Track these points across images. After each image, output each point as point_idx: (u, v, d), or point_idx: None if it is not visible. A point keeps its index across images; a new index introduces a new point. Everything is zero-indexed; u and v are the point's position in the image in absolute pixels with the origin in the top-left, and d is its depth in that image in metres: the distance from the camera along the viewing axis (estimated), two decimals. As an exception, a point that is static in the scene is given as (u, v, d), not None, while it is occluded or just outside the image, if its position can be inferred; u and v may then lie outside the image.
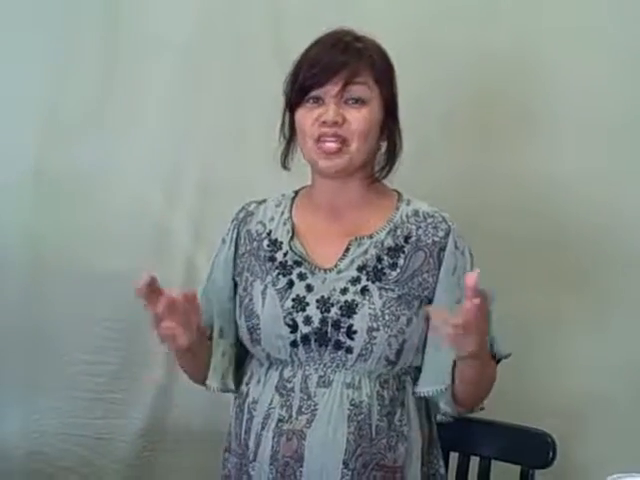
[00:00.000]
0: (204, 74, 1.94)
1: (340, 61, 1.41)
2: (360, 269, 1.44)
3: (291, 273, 1.46)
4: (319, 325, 1.41)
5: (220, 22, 1.91)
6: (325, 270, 1.45)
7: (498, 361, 1.47)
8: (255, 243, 1.53)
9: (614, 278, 1.81)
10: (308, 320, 1.41)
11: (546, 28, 1.78)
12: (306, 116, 1.43)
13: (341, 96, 1.41)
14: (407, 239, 1.46)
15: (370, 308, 1.40)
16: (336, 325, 1.40)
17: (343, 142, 1.41)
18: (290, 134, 1.52)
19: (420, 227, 1.46)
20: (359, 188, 1.48)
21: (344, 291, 1.42)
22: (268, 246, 1.51)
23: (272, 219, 1.54)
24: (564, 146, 1.80)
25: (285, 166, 1.54)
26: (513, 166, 1.82)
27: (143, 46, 1.91)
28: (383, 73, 1.45)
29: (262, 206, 1.57)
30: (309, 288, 1.44)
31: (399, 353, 1.40)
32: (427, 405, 1.49)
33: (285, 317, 1.42)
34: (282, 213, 1.54)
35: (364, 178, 1.48)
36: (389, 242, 1.45)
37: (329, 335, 1.40)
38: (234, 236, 1.55)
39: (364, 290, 1.42)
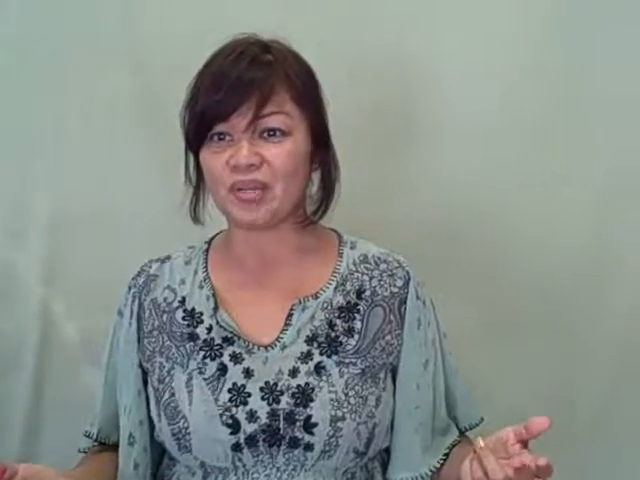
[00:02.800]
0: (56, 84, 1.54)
1: (246, 82, 1.08)
2: (310, 341, 1.15)
3: (221, 355, 1.15)
4: (267, 421, 1.10)
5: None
6: (265, 347, 1.14)
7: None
8: (165, 316, 1.19)
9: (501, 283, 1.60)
10: (252, 416, 1.11)
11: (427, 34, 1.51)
12: (212, 159, 1.11)
13: (253, 129, 1.09)
14: (360, 294, 1.17)
15: (330, 391, 1.12)
16: (289, 418, 1.10)
17: (264, 188, 1.10)
18: (197, 177, 1.18)
19: (373, 277, 1.18)
20: (291, 235, 1.18)
21: (294, 372, 1.13)
22: (184, 319, 1.18)
23: (183, 282, 1.21)
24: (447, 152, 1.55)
25: (197, 219, 1.21)
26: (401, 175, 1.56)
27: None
28: (305, 91, 1.14)
29: (166, 265, 1.23)
30: (248, 373, 1.13)
31: (369, 442, 1.13)
32: None
33: (222, 415, 1.11)
34: (195, 273, 1.21)
35: (296, 222, 1.18)
36: (339, 300, 1.17)
37: (282, 432, 1.10)
38: (134, 308, 1.21)
39: (319, 368, 1.13)
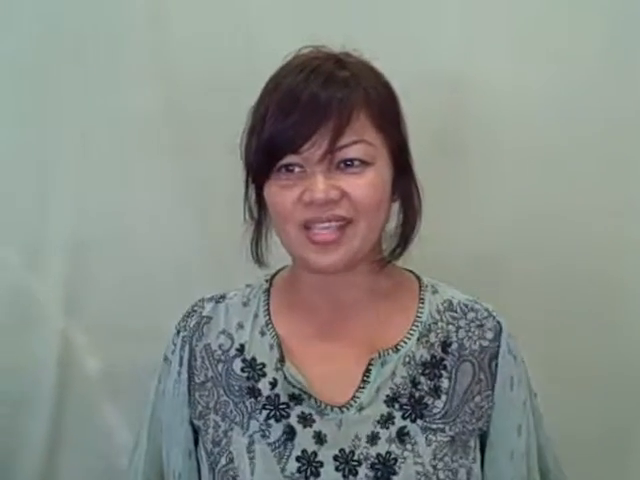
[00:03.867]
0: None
1: (321, 106, 0.93)
2: (391, 401, 0.99)
3: (288, 415, 0.99)
4: None
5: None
6: (339, 408, 0.99)
7: None
8: (221, 366, 1.04)
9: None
10: None
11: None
12: (282, 194, 0.96)
13: (330, 160, 0.94)
14: (446, 347, 1.02)
15: (416, 463, 0.97)
16: None
17: (345, 224, 0.95)
18: (259, 212, 1.03)
19: (460, 327, 1.03)
20: (367, 278, 1.03)
21: (373, 439, 0.97)
22: (243, 370, 1.03)
23: (241, 326, 1.06)
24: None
25: (261, 261, 1.05)
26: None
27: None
28: (387, 112, 0.99)
29: (221, 306, 1.08)
30: (320, 438, 0.98)
31: None
32: None
33: None
34: (255, 316, 1.06)
35: (372, 263, 1.02)
36: (423, 354, 1.01)
37: None
38: (185, 355, 1.05)
39: (402, 435, 0.98)
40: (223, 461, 0.99)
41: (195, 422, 1.04)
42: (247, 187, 1.03)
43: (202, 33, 1.36)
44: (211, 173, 1.38)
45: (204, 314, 1.07)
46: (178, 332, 1.08)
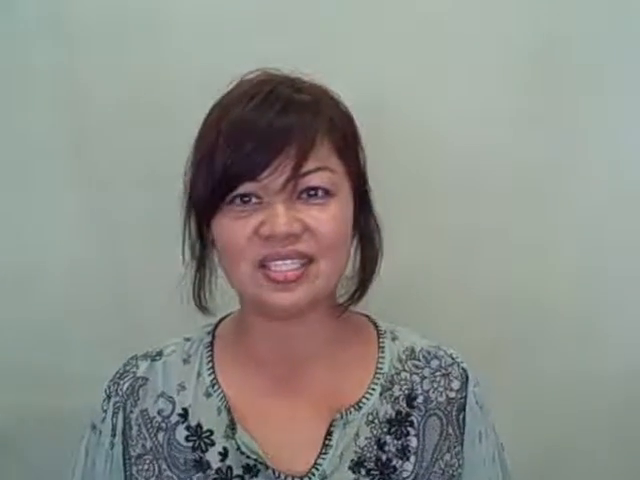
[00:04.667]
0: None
1: (281, 131, 0.83)
2: (356, 467, 0.90)
3: None
4: None
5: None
6: (300, 478, 0.88)
7: None
8: (161, 435, 0.92)
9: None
10: None
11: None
12: (234, 228, 0.85)
13: (291, 189, 0.84)
14: (411, 401, 0.94)
15: None
16: None
17: (307, 262, 0.85)
18: (201, 251, 0.91)
19: (425, 377, 0.95)
20: (324, 327, 0.93)
21: None
22: (188, 439, 0.91)
23: (182, 387, 0.94)
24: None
25: (203, 306, 0.94)
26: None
27: None
28: (349, 139, 0.90)
29: (158, 365, 0.96)
30: None
31: None
32: None
33: None
34: (199, 375, 0.94)
35: (330, 308, 0.93)
36: (387, 411, 0.92)
37: None
38: (118, 424, 0.93)
39: None
40: None
41: None
42: (186, 224, 0.92)
43: (118, 63, 1.25)
44: (119, 206, 1.29)
45: (138, 375, 0.95)
46: (109, 397, 0.95)
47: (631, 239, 1.30)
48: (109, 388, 0.96)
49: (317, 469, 0.89)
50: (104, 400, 0.95)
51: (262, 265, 0.84)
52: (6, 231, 1.29)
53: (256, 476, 0.88)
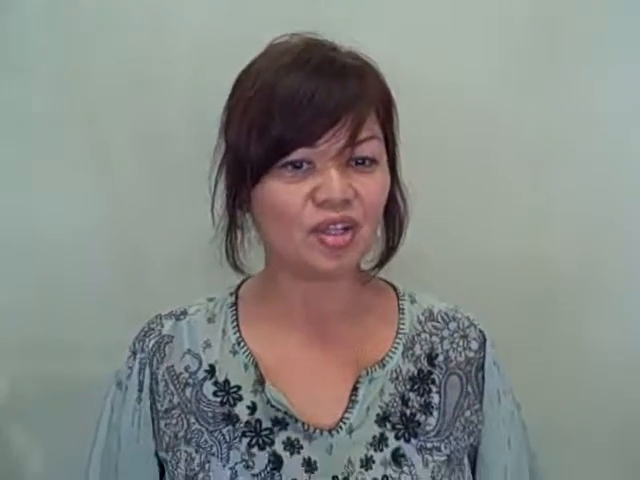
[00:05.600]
0: None
1: (343, 98, 0.84)
2: (382, 421, 0.92)
3: (272, 442, 0.90)
4: None
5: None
6: (328, 431, 0.90)
7: None
8: (189, 390, 0.93)
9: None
10: None
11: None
12: (288, 192, 0.85)
13: (347, 155, 0.86)
14: (432, 360, 0.96)
15: None
16: None
17: (353, 227, 0.86)
18: (234, 214, 0.93)
19: (444, 338, 0.98)
20: (350, 290, 0.96)
21: (367, 463, 0.90)
22: (216, 394, 0.92)
23: (208, 345, 0.95)
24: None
25: (238, 267, 0.96)
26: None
27: None
28: (388, 109, 0.92)
29: (183, 324, 0.97)
30: (310, 465, 0.89)
31: None
32: None
33: None
34: (224, 333, 0.96)
35: (357, 273, 0.95)
36: (409, 369, 0.95)
37: None
38: (145, 380, 0.94)
39: (398, 457, 0.91)
40: None
41: (161, 455, 0.93)
42: (216, 185, 0.94)
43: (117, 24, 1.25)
44: (124, 178, 1.29)
45: (164, 333, 0.96)
46: (134, 354, 0.96)
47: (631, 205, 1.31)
48: (134, 345, 0.96)
49: (344, 423, 0.91)
50: (129, 357, 0.96)
51: (314, 231, 0.86)
52: (13, 198, 1.29)
53: (285, 429, 0.90)
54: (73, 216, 1.29)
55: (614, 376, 1.34)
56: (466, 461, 0.95)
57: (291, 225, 0.85)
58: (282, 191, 0.85)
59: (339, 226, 0.85)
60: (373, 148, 0.87)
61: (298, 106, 0.83)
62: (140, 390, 0.94)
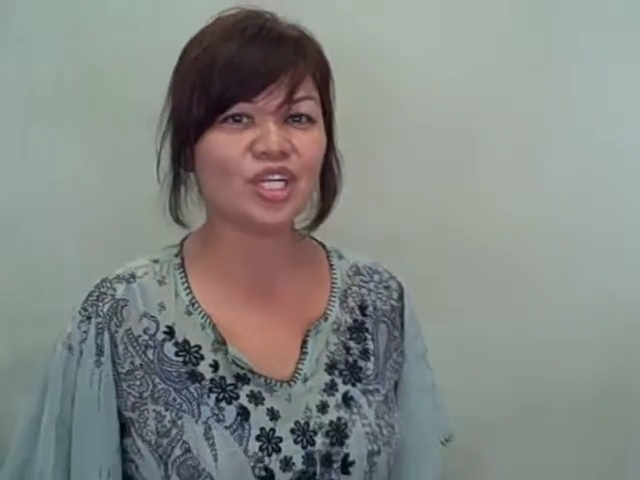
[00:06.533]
0: None
1: (280, 60, 0.92)
2: (330, 369, 1.03)
3: (237, 396, 0.97)
4: (303, 467, 0.97)
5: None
6: (287, 382, 0.99)
7: None
8: (150, 352, 0.97)
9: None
10: (287, 463, 0.96)
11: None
12: (228, 143, 0.92)
13: (285, 111, 0.93)
14: (363, 310, 1.08)
15: (364, 424, 1.01)
16: (326, 461, 0.98)
17: (291, 181, 0.94)
18: (177, 169, 0.99)
19: (371, 290, 1.10)
20: (287, 245, 1.04)
21: (323, 407, 1.00)
22: (177, 354, 0.97)
23: (162, 307, 0.99)
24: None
25: (179, 221, 1.01)
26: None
27: None
28: (324, 74, 1.00)
29: (134, 287, 1.00)
30: (273, 414, 0.98)
31: (391, 471, 1.06)
32: None
33: (254, 467, 0.94)
34: (176, 295, 1.00)
35: (294, 231, 1.04)
36: (347, 320, 1.06)
37: (317, 477, 0.98)
38: (104, 344, 0.96)
39: (347, 399, 1.02)
40: (178, 452, 0.94)
41: (126, 414, 0.96)
42: (162, 146, 0.98)
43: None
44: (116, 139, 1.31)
45: (118, 297, 0.98)
46: (88, 318, 0.97)
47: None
48: (85, 310, 0.97)
49: (299, 374, 1.00)
50: (81, 322, 0.97)
51: (253, 182, 0.92)
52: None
53: (247, 384, 0.97)
54: (68, 183, 1.29)
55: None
56: (394, 396, 1.08)
57: (231, 175, 0.92)
58: (223, 142, 0.92)
59: (277, 176, 0.92)
60: (310, 107, 0.95)
61: (237, 67, 0.90)
62: (99, 354, 0.96)
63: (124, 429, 0.97)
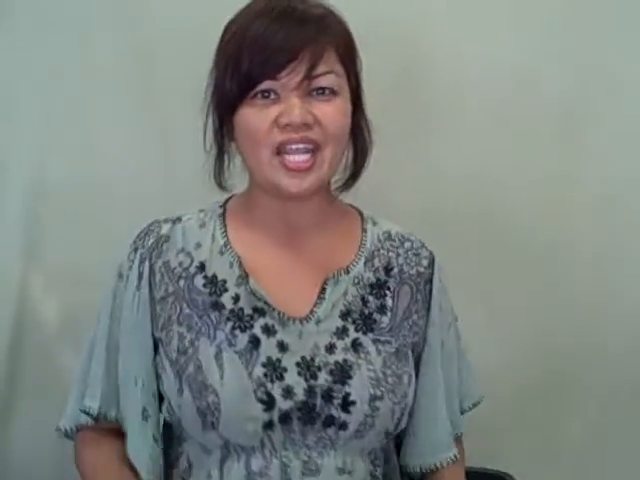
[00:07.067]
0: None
1: (301, 39, 1.02)
2: (344, 316, 1.10)
3: (252, 326, 1.07)
4: (304, 398, 1.04)
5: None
6: (300, 320, 1.08)
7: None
8: (182, 282, 1.09)
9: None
10: (289, 392, 1.04)
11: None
12: (257, 117, 1.03)
13: (306, 87, 1.03)
14: (388, 271, 1.14)
15: (369, 369, 1.07)
16: (327, 396, 1.05)
17: (315, 150, 1.04)
18: (222, 140, 1.11)
19: (399, 254, 1.16)
20: (319, 207, 1.13)
21: (331, 348, 1.08)
22: (205, 286, 1.09)
23: (199, 246, 1.12)
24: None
25: (223, 186, 1.13)
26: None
27: None
28: (348, 49, 1.09)
29: (178, 227, 1.13)
30: (282, 347, 1.06)
31: (399, 423, 1.10)
32: None
33: (256, 391, 1.03)
34: (213, 238, 1.12)
35: (325, 192, 1.13)
36: (369, 277, 1.13)
37: (317, 409, 1.05)
38: (144, 272, 1.10)
39: (356, 345, 1.09)
40: (191, 368, 1.05)
41: (157, 334, 1.09)
42: (208, 118, 1.10)
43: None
44: (173, 113, 1.41)
45: (162, 233, 1.12)
46: (135, 250, 1.12)
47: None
48: (134, 243, 1.12)
49: (313, 315, 1.08)
50: (130, 253, 1.12)
51: (279, 152, 1.03)
52: (64, 139, 1.41)
53: (263, 316, 1.07)
54: (131, 154, 1.42)
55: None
56: (410, 354, 1.13)
57: (259, 146, 1.03)
58: (253, 117, 1.03)
59: (301, 146, 1.02)
60: (331, 81, 1.04)
61: (262, 46, 1.01)
62: (140, 279, 1.10)
63: (156, 348, 1.10)
